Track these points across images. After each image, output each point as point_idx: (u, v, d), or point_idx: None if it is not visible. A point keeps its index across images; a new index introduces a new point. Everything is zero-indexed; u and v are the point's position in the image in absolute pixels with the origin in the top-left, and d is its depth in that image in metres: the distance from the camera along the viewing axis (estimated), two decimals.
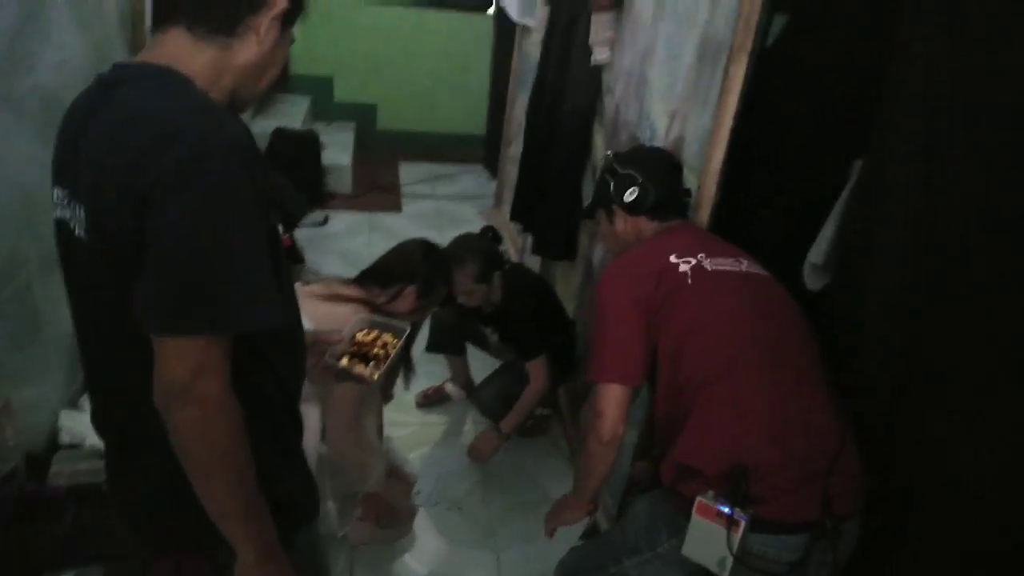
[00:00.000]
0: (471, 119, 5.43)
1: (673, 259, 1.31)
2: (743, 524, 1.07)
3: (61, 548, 1.51)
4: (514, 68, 4.04)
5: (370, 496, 1.92)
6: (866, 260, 1.22)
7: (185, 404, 0.79)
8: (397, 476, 2.01)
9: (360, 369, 1.31)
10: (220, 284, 0.79)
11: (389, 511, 2.06)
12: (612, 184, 1.50)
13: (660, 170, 1.50)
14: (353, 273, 1.84)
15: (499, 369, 2.58)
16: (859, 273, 1.24)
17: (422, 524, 2.17)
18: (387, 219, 4.22)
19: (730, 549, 1.08)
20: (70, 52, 1.88)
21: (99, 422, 1.02)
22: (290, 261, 3.14)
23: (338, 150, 4.65)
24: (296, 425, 1.06)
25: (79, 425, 1.92)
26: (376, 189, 4.61)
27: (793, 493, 1.11)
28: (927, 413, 1.11)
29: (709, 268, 1.30)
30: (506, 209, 3.56)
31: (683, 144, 1.77)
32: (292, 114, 4.74)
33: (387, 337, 1.40)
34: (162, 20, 0.86)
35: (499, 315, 2.34)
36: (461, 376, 2.68)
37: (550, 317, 2.41)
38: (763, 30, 1.44)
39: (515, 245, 3.66)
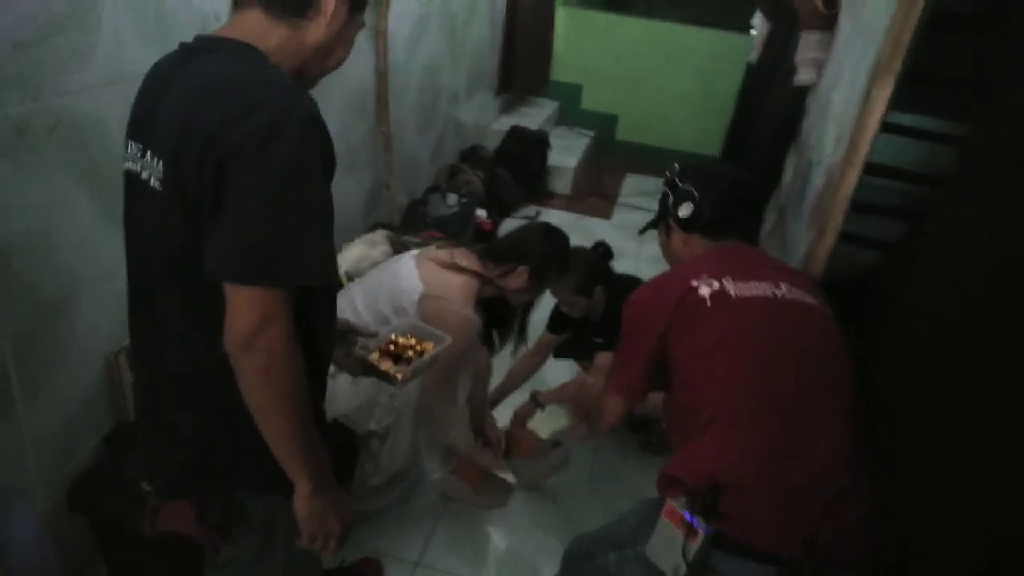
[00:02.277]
0: (708, 140, 5.29)
1: (694, 283, 1.26)
2: (701, 535, 1.03)
3: None
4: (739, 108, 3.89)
5: (465, 458, 2.06)
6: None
7: (254, 349, 0.87)
8: (488, 443, 2.13)
9: (387, 366, 1.34)
10: (291, 241, 0.86)
11: (483, 479, 2.18)
12: (671, 198, 1.45)
13: (720, 187, 1.43)
14: None
15: None
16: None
17: (517, 504, 2.25)
18: (593, 223, 4.33)
19: (684, 557, 1.04)
20: None
21: (141, 362, 1.11)
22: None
23: (568, 153, 4.87)
24: (322, 390, 1.15)
25: None
26: (595, 195, 4.74)
27: (770, 522, 1.05)
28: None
29: (733, 294, 1.23)
30: None
31: (833, 171, 1.62)
32: (538, 116, 5.08)
33: (427, 345, 1.45)
34: (241, 0, 0.97)
35: (604, 325, 2.32)
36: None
37: None
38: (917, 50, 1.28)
39: None
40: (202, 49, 0.95)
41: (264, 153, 0.84)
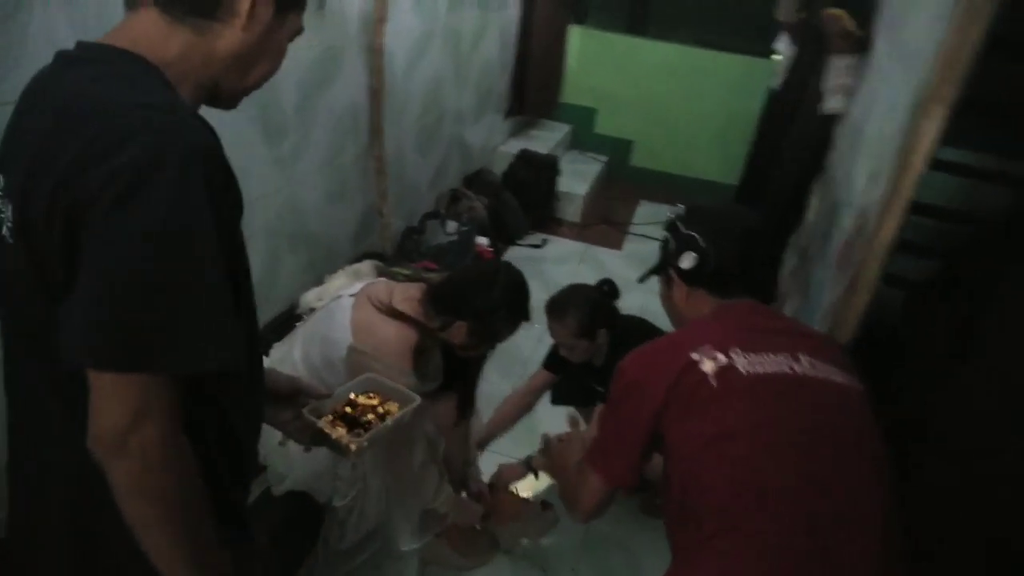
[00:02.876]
0: (727, 168, 5.07)
1: (695, 355, 1.04)
2: None
3: None
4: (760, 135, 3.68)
5: (445, 518, 1.84)
6: None
7: (124, 453, 0.69)
8: (470, 497, 1.91)
9: (340, 434, 1.13)
10: (167, 315, 0.67)
11: (466, 538, 1.96)
12: (672, 244, 1.24)
13: (730, 235, 1.21)
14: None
15: None
16: None
17: (502, 567, 2.02)
18: (602, 254, 4.12)
19: None
20: (293, 44, 2.10)
21: (14, 461, 0.89)
22: None
23: (579, 179, 4.67)
24: (244, 486, 0.95)
25: None
26: (604, 223, 4.53)
27: None
28: None
29: (743, 370, 1.01)
30: None
31: (868, 212, 1.40)
32: (549, 139, 4.89)
33: (391, 407, 1.24)
34: None
35: (608, 372, 2.10)
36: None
37: None
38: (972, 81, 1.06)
39: None
40: (81, 60, 0.75)
41: (130, 201, 0.65)
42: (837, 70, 2.03)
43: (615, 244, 4.29)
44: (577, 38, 5.18)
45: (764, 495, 0.92)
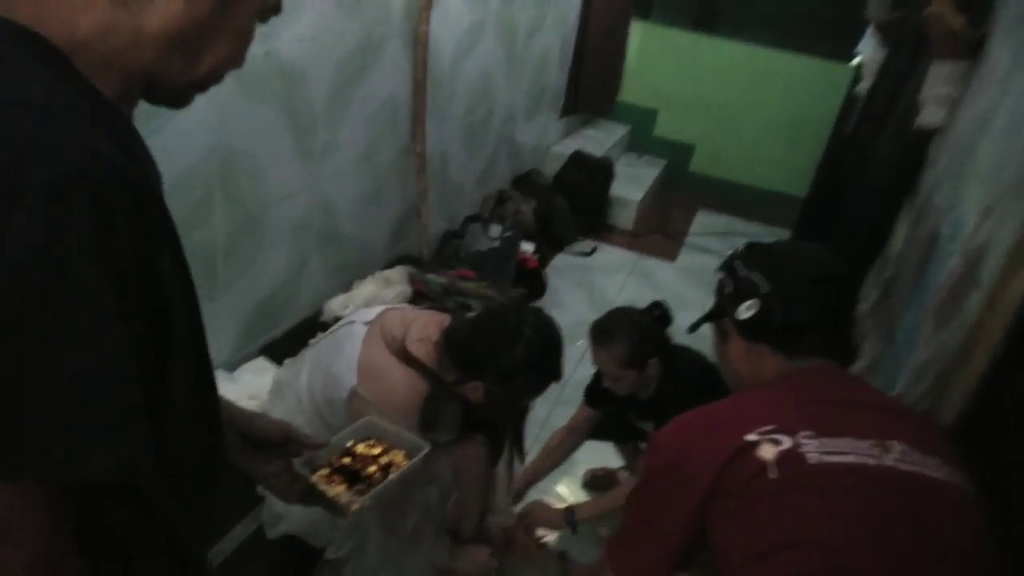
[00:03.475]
0: (795, 179, 4.74)
1: (752, 437, 0.82)
2: None
3: None
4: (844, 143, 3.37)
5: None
6: None
7: None
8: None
9: (337, 491, 0.97)
10: (27, 409, 0.49)
11: None
12: (728, 289, 1.01)
13: (802, 280, 0.98)
14: (593, 314, 1.45)
15: None
16: None
17: None
18: (654, 265, 3.86)
19: None
20: (323, 30, 1.94)
21: None
22: (526, 287, 3.00)
23: (634, 184, 4.42)
24: None
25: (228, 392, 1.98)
26: (660, 232, 4.27)
27: None
28: None
29: (812, 458, 0.80)
30: None
31: (983, 256, 1.15)
32: (605, 140, 4.66)
33: (397, 456, 1.06)
34: None
35: (654, 407, 1.86)
36: (635, 465, 2.24)
37: None
38: None
39: None
40: None
41: None
42: (938, 78, 1.75)
43: (669, 255, 4.02)
44: (639, 33, 4.92)
45: None
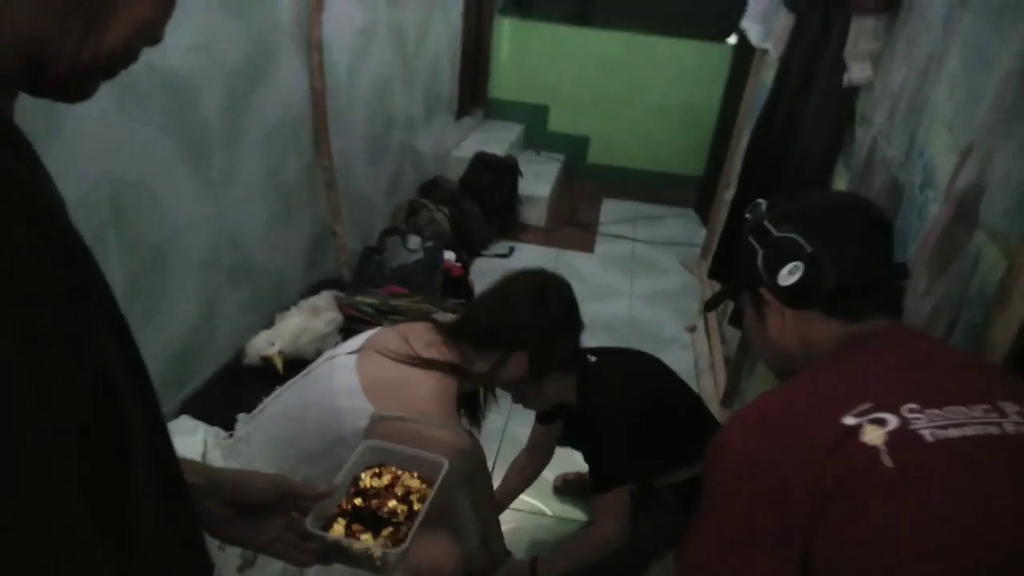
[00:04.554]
0: (691, 159, 4.86)
1: (851, 420, 0.70)
2: None
3: None
4: (745, 101, 3.44)
5: None
6: None
7: None
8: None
9: (367, 541, 0.83)
10: None
11: None
12: (761, 256, 0.91)
13: (849, 234, 0.88)
14: None
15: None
16: None
17: None
18: (575, 258, 3.80)
19: None
20: (211, 36, 1.70)
21: None
22: (453, 294, 2.84)
23: (540, 181, 4.35)
24: None
25: None
26: (571, 225, 4.23)
27: None
28: None
29: (929, 436, 0.68)
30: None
31: (981, 197, 1.12)
32: (503, 141, 4.56)
33: (411, 481, 0.91)
34: None
35: (580, 419, 1.71)
36: None
37: (653, 439, 1.57)
38: None
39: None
40: None
41: None
42: (861, 33, 1.76)
43: (586, 247, 3.98)
44: (519, 31, 4.87)
45: None
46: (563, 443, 1.97)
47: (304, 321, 2.00)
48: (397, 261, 2.70)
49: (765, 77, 3.04)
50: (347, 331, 2.10)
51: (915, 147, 1.42)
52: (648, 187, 4.94)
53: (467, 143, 4.40)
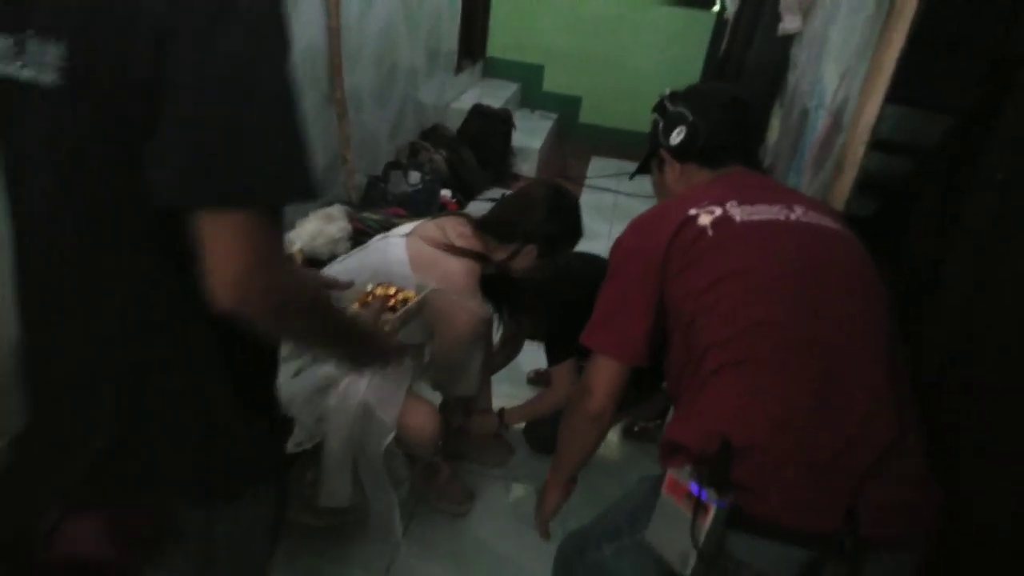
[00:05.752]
0: None
1: (693, 211, 1.06)
2: (713, 511, 0.82)
3: None
4: (720, 63, 3.77)
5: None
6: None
7: (256, 296, 0.66)
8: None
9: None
10: (275, 138, 0.64)
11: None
12: (661, 125, 1.26)
13: (716, 107, 1.23)
14: None
15: None
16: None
17: (491, 498, 2.05)
18: None
19: (693, 541, 0.83)
20: None
21: (39, 346, 0.81)
22: None
23: (533, 135, 4.68)
24: (275, 372, 0.93)
25: None
26: (560, 177, 4.57)
27: (799, 488, 0.85)
28: None
29: (738, 218, 1.04)
30: None
31: (846, 105, 1.47)
32: (499, 98, 4.87)
33: (408, 293, 1.28)
34: None
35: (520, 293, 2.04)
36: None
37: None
38: None
39: None
40: None
41: (229, 16, 0.62)
42: None
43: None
44: None
45: (763, 325, 0.94)
46: (532, 337, 2.36)
47: (320, 225, 2.36)
48: (399, 190, 3.05)
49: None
50: (355, 240, 2.46)
51: (817, 78, 1.77)
52: (634, 146, 5.25)
53: (465, 97, 4.71)
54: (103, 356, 0.77)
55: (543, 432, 2.16)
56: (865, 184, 1.34)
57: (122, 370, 0.77)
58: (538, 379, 2.56)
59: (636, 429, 2.35)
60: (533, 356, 2.51)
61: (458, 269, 1.52)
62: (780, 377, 0.91)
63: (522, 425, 2.19)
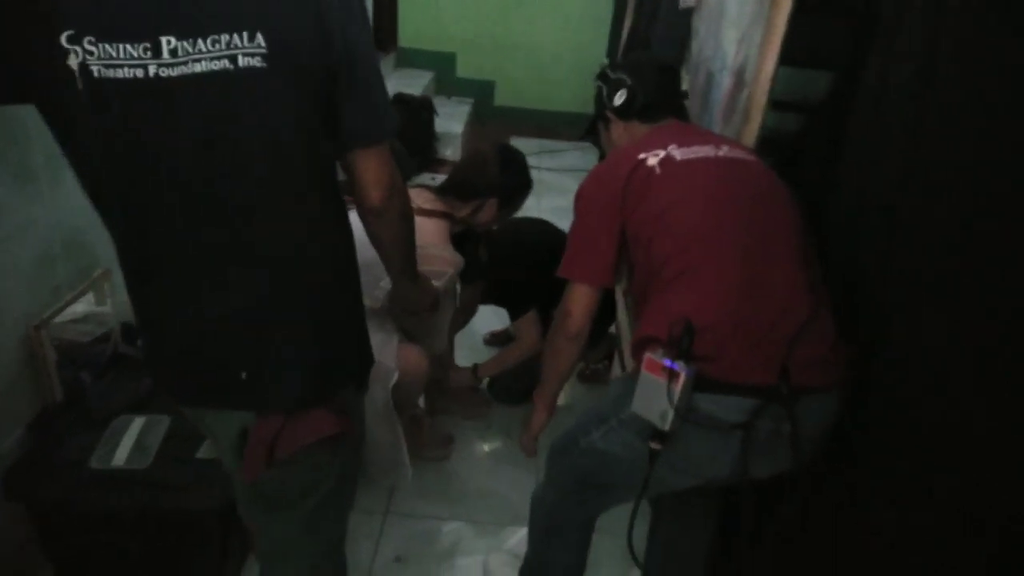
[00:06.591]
0: (586, 98, 5.44)
1: (641, 156, 1.30)
2: (683, 376, 1.06)
3: (139, 400, 1.68)
4: (623, 42, 4.05)
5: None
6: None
7: (396, 194, 1.03)
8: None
9: None
10: (386, 96, 1.00)
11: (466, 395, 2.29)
12: (605, 90, 1.51)
13: (650, 71, 1.50)
14: None
15: None
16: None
17: (475, 445, 2.26)
18: None
19: (670, 401, 1.07)
20: None
21: (217, 295, 0.95)
22: None
23: (453, 120, 4.86)
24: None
25: None
26: None
27: (743, 354, 1.10)
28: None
29: (679, 157, 1.29)
30: None
31: (747, 64, 1.74)
32: (415, 87, 5.01)
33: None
34: None
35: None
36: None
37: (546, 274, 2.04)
38: None
39: None
40: None
41: (349, 8, 0.90)
42: None
43: None
44: None
45: (707, 238, 1.19)
46: (484, 301, 2.56)
47: None
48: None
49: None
50: None
51: (717, 44, 2.04)
52: (548, 125, 5.53)
53: None
54: (295, 291, 0.98)
55: (505, 383, 2.39)
56: (765, 140, 1.62)
57: (313, 296, 1.00)
58: (493, 340, 2.77)
59: (587, 372, 2.61)
60: (487, 321, 2.73)
61: (431, 227, 1.72)
62: (722, 277, 1.16)
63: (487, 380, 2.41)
